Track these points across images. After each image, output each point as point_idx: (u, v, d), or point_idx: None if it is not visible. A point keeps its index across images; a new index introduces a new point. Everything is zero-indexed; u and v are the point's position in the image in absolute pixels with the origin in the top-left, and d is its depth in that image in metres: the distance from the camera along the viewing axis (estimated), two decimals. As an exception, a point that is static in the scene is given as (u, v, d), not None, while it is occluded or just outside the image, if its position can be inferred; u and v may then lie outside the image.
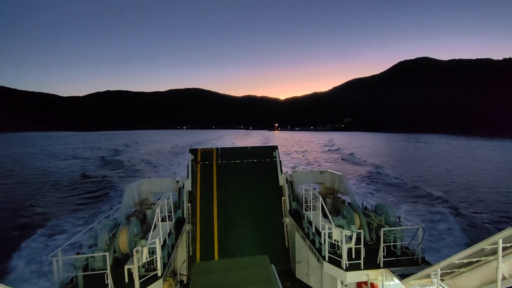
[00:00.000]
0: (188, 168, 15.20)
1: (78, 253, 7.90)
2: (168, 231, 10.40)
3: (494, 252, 4.41)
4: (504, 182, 43.63)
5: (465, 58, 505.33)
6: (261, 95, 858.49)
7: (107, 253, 7.37)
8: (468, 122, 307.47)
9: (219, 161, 16.02)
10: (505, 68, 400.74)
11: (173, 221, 11.47)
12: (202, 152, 16.41)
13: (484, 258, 4.98)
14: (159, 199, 11.17)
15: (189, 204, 13.73)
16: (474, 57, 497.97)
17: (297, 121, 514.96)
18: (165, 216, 10.77)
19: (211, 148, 16.76)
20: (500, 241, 4.28)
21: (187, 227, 13.05)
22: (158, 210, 9.20)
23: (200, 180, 15.18)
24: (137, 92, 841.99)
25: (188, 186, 14.25)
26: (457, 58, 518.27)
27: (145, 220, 12.45)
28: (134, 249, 7.42)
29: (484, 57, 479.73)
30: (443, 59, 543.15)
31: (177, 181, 14.71)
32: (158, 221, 9.20)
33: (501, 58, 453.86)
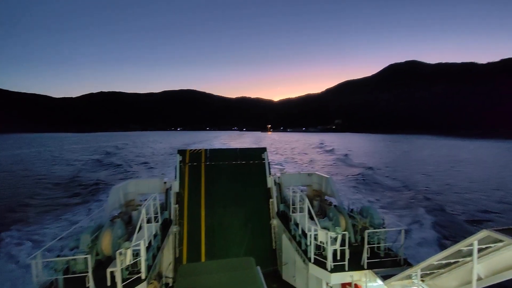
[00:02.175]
0: (176, 169, 14.94)
1: (58, 256, 7.64)
2: (153, 232, 10.14)
3: (470, 253, 4.50)
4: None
5: (451, 62, 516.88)
6: (255, 97, 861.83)
7: (88, 256, 7.21)
8: (452, 123, 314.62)
9: (208, 163, 15.79)
10: (489, 72, 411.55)
11: (160, 222, 11.22)
12: (191, 153, 16.15)
13: (462, 259, 5.04)
14: (146, 200, 10.90)
15: (177, 206, 13.47)
16: (459, 61, 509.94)
17: (290, 122, 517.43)
18: (151, 217, 10.53)
19: (200, 150, 16.52)
20: (476, 242, 4.35)
21: (173, 228, 12.78)
22: (143, 212, 8.93)
23: (188, 181, 14.92)
24: (131, 94, 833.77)
25: (175, 187, 13.99)
26: (443, 61, 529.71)
27: (130, 222, 12.14)
28: (117, 252, 7.24)
29: (469, 61, 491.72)
30: (431, 63, 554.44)
31: (165, 182, 14.42)
32: (144, 222, 8.95)
33: (485, 62, 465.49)
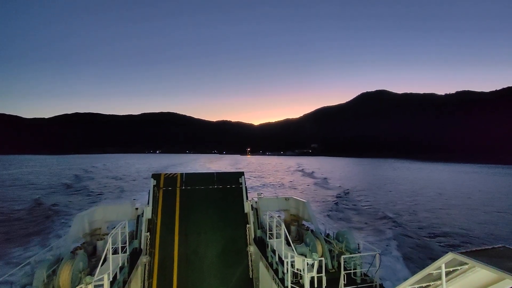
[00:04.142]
0: (149, 194, 14.06)
1: None
2: (120, 264, 9.22)
3: (440, 276, 4.55)
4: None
5: (415, 92, 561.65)
6: (236, 121, 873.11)
7: None
8: (416, 148, 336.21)
9: (183, 187, 15.08)
10: (447, 103, 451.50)
11: (128, 253, 10.27)
12: (166, 177, 15.39)
13: (433, 283, 5.04)
14: (114, 228, 10.01)
15: (148, 233, 12.47)
16: (422, 92, 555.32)
17: (269, 146, 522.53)
18: (119, 247, 9.61)
19: (175, 174, 15.82)
20: (443, 266, 4.39)
21: (143, 259, 11.72)
22: (110, 241, 8.15)
23: (161, 207, 14.04)
24: (109, 115, 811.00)
25: (148, 213, 13.03)
26: (408, 92, 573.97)
27: (95, 253, 11.04)
28: (77, 287, 6.68)
29: (429, 92, 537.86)
30: (398, 92, 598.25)
31: (136, 208, 13.49)
32: (109, 253, 8.08)
33: (443, 94, 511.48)
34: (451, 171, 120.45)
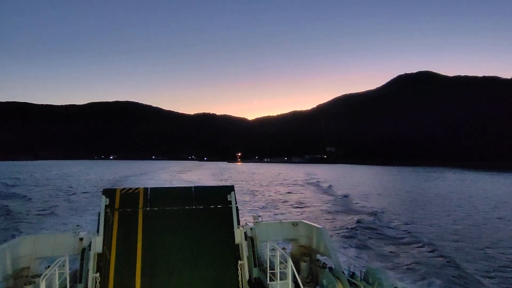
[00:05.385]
0: (99, 217, 13.99)
1: None
2: None
3: None
4: None
5: (471, 74, 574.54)
6: (222, 114, 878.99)
7: None
8: (478, 153, 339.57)
9: (148, 208, 15.06)
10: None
11: None
12: (123, 193, 15.30)
13: None
14: (49, 267, 10.02)
15: (97, 274, 12.43)
16: (480, 74, 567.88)
17: (268, 149, 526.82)
18: None
19: (137, 189, 15.75)
20: None
21: None
22: (43, 285, 8.18)
23: (117, 236, 13.98)
24: (43, 106, 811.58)
25: (97, 245, 12.98)
26: (462, 74, 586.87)
27: None
28: None
29: (491, 75, 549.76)
30: (448, 75, 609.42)
31: (81, 238, 13.54)
32: None
33: (509, 77, 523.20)
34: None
